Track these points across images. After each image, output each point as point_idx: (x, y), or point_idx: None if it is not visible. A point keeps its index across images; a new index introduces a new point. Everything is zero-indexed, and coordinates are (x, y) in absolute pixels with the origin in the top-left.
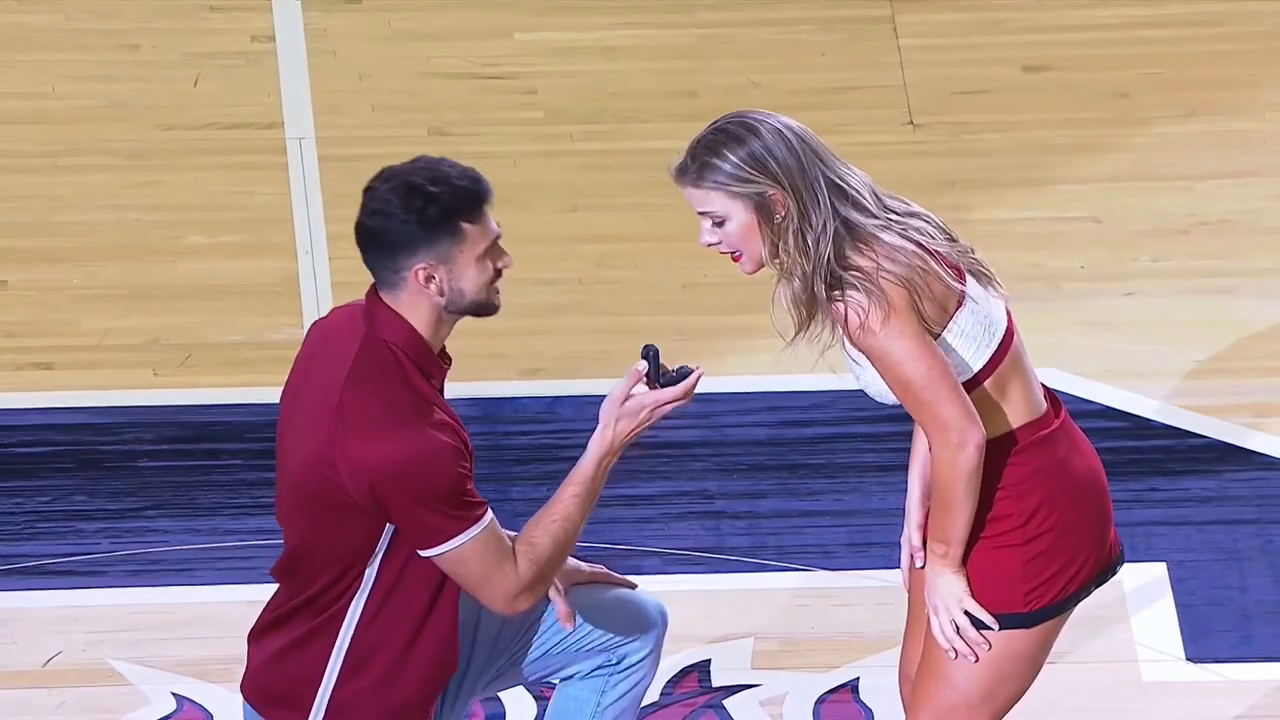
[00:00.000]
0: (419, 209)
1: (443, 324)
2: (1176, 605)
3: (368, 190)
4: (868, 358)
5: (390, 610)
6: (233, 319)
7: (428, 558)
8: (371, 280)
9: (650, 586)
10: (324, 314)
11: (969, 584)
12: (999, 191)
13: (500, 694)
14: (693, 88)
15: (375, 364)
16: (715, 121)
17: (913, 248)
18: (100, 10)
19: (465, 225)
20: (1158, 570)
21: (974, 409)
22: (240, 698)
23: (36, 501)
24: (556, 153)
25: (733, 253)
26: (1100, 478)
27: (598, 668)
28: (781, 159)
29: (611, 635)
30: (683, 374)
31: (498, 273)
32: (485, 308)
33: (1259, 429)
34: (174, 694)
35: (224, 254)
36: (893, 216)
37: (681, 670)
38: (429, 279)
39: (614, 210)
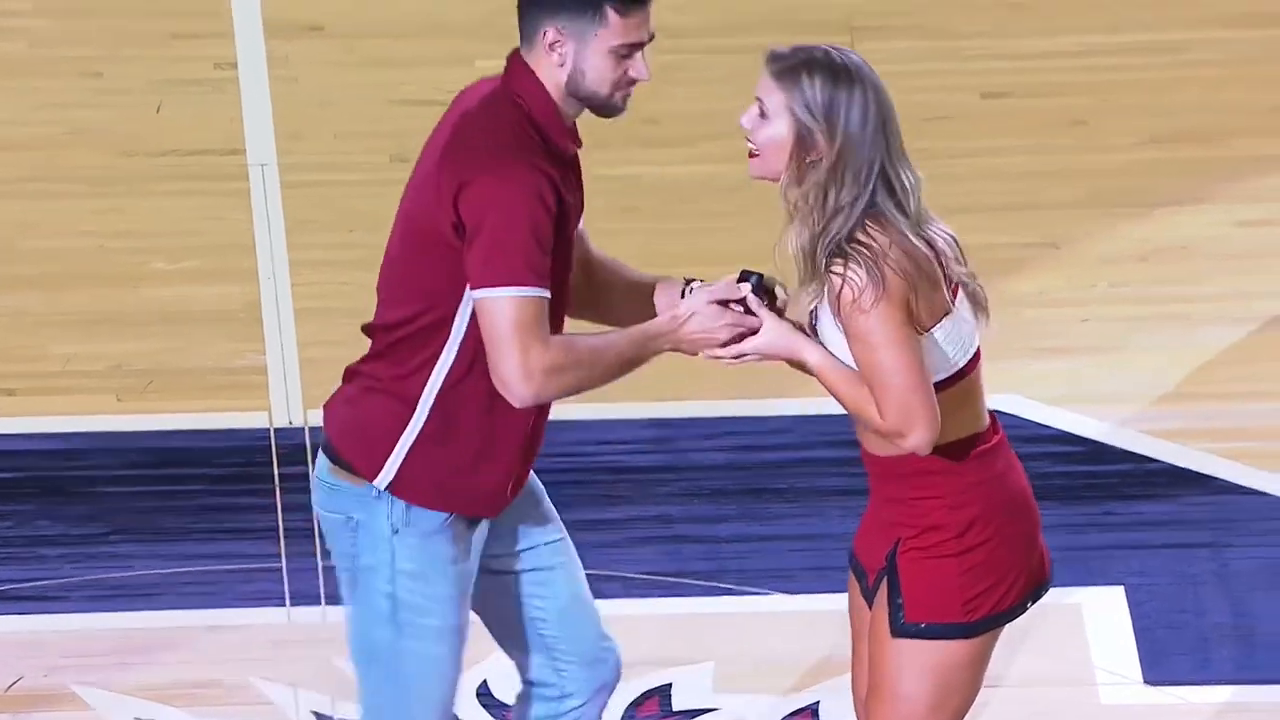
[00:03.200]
0: None
1: (567, 101)
2: (1134, 628)
3: None
4: (848, 335)
5: (477, 374)
6: (196, 345)
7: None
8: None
9: (613, 610)
10: (286, 337)
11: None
12: (959, 218)
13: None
14: (654, 114)
15: (498, 103)
16: (840, 48)
17: (926, 250)
18: (64, 38)
19: (611, 12)
20: (1115, 593)
21: (937, 410)
22: None
23: None
24: None
25: (753, 149)
26: (1031, 497)
27: (539, 684)
28: (853, 122)
29: (565, 646)
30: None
31: (628, 79)
32: (604, 104)
33: (1215, 454)
34: (137, 719)
35: (187, 280)
36: (922, 226)
37: (643, 694)
38: (554, 45)
39: None
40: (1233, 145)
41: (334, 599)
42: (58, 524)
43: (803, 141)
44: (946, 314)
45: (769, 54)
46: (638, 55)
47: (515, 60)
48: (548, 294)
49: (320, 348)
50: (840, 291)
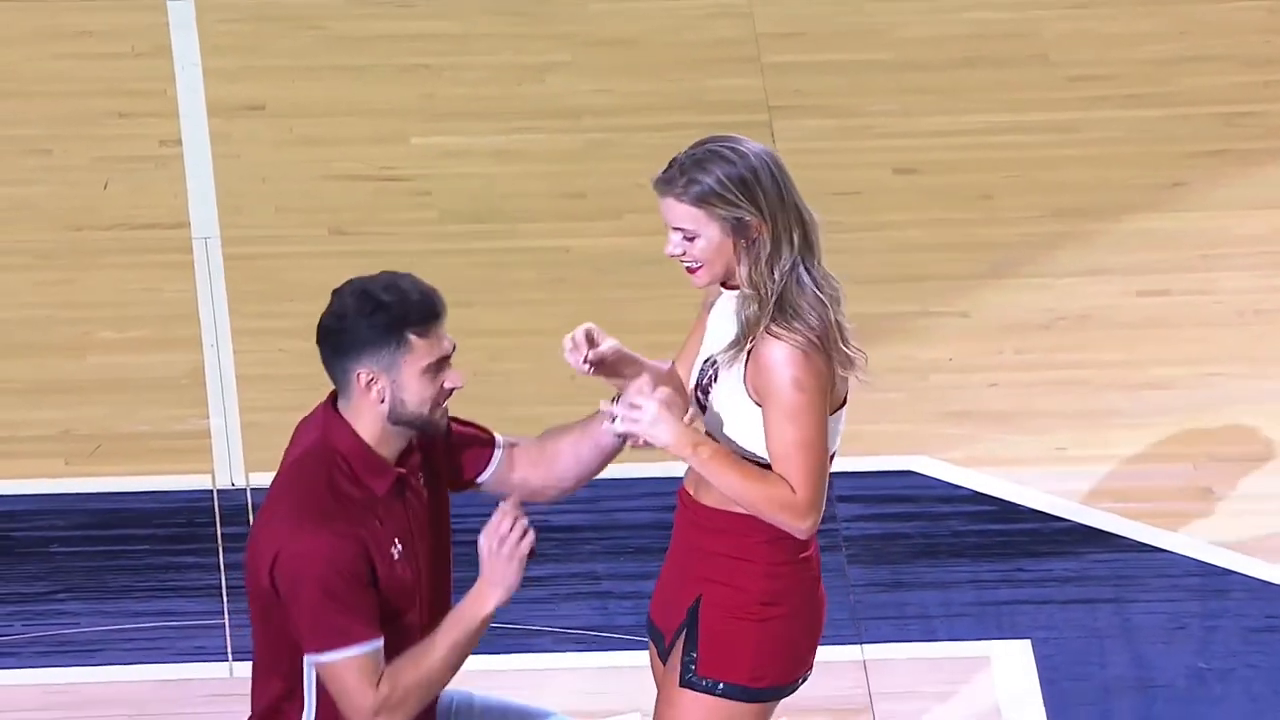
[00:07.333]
0: (368, 314)
1: (390, 434)
2: (1040, 681)
3: (334, 293)
4: (771, 403)
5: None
6: (141, 410)
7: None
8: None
9: (541, 664)
10: (229, 402)
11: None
12: (870, 287)
13: None
14: (580, 189)
15: (310, 466)
16: (701, 141)
17: (848, 353)
18: (12, 118)
19: (412, 336)
20: (1023, 646)
21: (824, 498)
22: None
23: None
24: (450, 251)
25: (693, 265)
26: (823, 589)
27: None
28: (766, 186)
29: None
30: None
31: (444, 392)
32: (427, 424)
33: (1117, 513)
34: None
35: (132, 349)
36: (826, 279)
37: None
38: (370, 383)
39: (505, 306)
40: (1127, 219)
41: None
42: (8, 583)
43: (740, 232)
44: (840, 406)
45: (657, 182)
46: (447, 364)
47: (328, 413)
48: (366, 645)
49: (260, 412)
50: (772, 357)
